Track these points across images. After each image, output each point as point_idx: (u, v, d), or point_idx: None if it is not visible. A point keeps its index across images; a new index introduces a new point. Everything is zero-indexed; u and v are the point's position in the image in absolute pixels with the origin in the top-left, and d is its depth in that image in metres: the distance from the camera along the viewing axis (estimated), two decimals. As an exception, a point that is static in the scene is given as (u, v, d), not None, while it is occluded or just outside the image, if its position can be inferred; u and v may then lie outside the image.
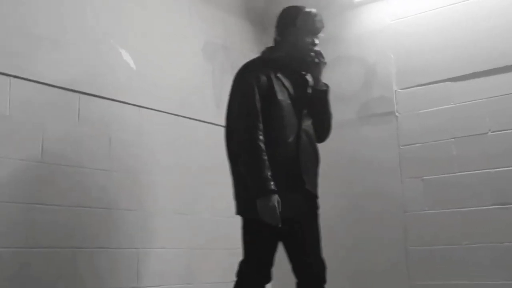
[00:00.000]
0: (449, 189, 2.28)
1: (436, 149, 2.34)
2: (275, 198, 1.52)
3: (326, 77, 1.82)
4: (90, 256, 1.97)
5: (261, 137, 1.56)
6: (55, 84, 1.96)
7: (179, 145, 2.43)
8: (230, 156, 1.68)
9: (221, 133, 2.66)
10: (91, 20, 2.13)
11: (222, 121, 2.68)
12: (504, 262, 2.11)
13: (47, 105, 1.94)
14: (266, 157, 1.54)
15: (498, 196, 2.16)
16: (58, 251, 1.89)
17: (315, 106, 1.76)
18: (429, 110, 2.39)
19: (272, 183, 1.52)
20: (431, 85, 2.40)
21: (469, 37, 2.31)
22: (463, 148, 2.27)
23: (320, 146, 1.80)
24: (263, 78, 1.64)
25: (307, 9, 1.74)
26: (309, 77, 1.78)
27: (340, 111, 2.25)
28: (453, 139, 2.30)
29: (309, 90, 1.76)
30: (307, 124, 1.73)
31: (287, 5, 1.82)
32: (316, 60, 1.73)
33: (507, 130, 2.18)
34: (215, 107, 2.66)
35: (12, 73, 1.82)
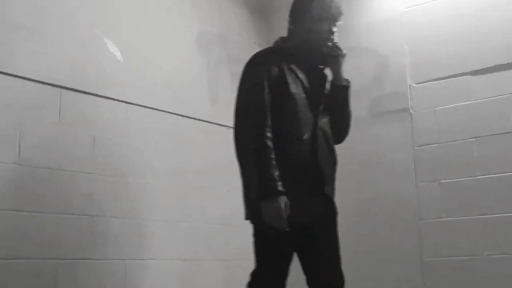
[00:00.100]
0: (469, 194, 2.29)
1: (455, 150, 2.35)
2: (282, 200, 1.52)
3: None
4: (72, 268, 1.98)
5: (268, 134, 1.57)
6: (33, 78, 1.96)
7: (170, 145, 2.44)
8: (238, 156, 1.68)
9: (217, 132, 2.69)
10: (73, 7, 2.14)
11: (218, 119, 2.69)
12: (530, 275, 2.09)
13: (25, 101, 1.94)
14: (273, 156, 1.55)
15: (524, 202, 2.13)
16: (38, 263, 1.89)
17: (334, 103, 1.77)
18: (447, 106, 2.41)
19: (278, 183, 1.52)
20: (449, 79, 2.41)
21: (492, 26, 2.31)
22: (485, 148, 2.27)
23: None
24: (275, 70, 1.65)
25: None
26: (327, 71, 1.79)
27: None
28: (473, 139, 2.31)
29: (327, 86, 1.78)
30: (324, 121, 1.73)
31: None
32: (334, 53, 1.74)
33: (534, 128, 2.16)
34: (210, 104, 2.69)
35: (-16, 66, 1.81)
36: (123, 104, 2.27)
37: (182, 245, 2.41)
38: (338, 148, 1.86)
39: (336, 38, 1.74)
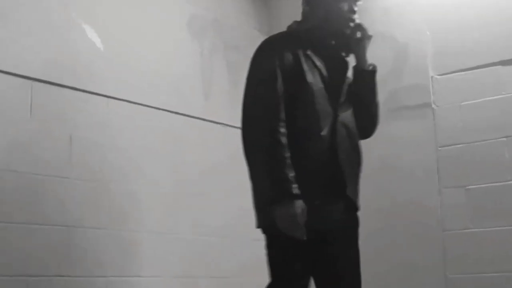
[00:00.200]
0: (499, 201, 2.27)
1: (483, 151, 2.34)
2: (298, 204, 1.50)
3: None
4: (46, 286, 1.97)
5: (282, 130, 1.55)
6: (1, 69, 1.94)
7: (158, 146, 2.44)
8: (247, 155, 1.66)
9: (211, 130, 2.70)
10: None
11: (213, 116, 2.70)
12: None
13: None
14: (288, 154, 1.53)
15: None
16: (5, 280, 1.86)
17: (359, 93, 1.76)
18: (475, 101, 2.40)
19: (294, 185, 1.50)
20: (477, 70, 2.41)
21: None
22: None
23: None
24: (288, 56, 1.64)
25: None
26: (348, 58, 1.78)
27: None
28: (505, 138, 2.29)
29: (349, 74, 1.77)
30: (346, 115, 1.71)
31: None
32: (358, 34, 1.72)
33: None
34: (204, 98, 2.69)
35: None
36: (104, 98, 2.26)
37: (173, 260, 2.41)
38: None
39: (357, 17, 1.73)
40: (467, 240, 2.33)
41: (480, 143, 2.35)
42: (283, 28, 1.83)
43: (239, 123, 2.98)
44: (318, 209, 1.54)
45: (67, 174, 2.08)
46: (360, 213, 2.48)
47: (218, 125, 2.73)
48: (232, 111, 2.70)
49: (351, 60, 1.79)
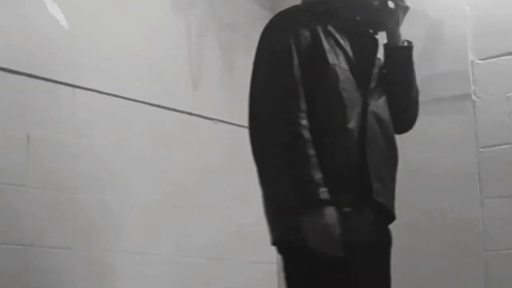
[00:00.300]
0: None
1: None
2: (331, 211, 1.48)
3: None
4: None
5: (303, 122, 1.53)
6: None
7: (136, 147, 2.41)
8: (257, 154, 1.63)
9: (200, 127, 2.67)
10: None
11: (202, 110, 2.70)
12: None
13: None
14: (312, 151, 1.51)
15: None
16: None
17: (394, 76, 1.75)
18: None
19: (322, 189, 1.48)
20: None
21: None
22: None
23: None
24: (305, 34, 1.62)
25: None
26: (379, 36, 1.78)
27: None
28: None
29: (380, 55, 1.76)
30: (378, 103, 1.68)
31: None
32: (391, 4, 1.71)
33: None
34: (192, 88, 2.65)
35: None
36: (69, 88, 2.23)
37: (152, 286, 2.38)
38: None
39: None
40: None
41: None
42: (287, 2, 1.81)
43: (234, 119, 3.03)
44: (347, 219, 1.52)
45: (23, 181, 2.06)
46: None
47: (209, 121, 2.71)
48: (226, 104, 2.81)
49: (382, 38, 1.77)
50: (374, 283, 1.64)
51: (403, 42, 1.78)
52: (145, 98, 2.45)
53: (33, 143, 2.08)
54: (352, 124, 1.60)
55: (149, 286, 2.37)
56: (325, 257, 1.47)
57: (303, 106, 1.55)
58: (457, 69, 2.51)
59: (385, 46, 1.77)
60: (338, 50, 1.65)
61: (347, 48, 1.66)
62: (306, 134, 1.52)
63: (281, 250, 1.62)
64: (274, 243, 1.62)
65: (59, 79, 2.18)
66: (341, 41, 1.66)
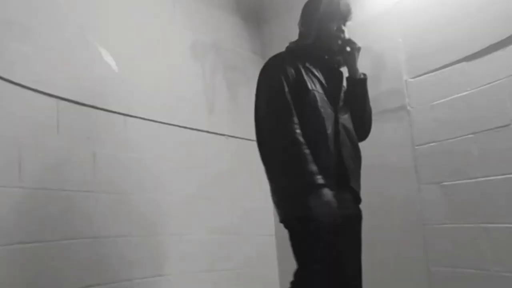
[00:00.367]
0: (471, 198, 2.21)
1: (454, 148, 2.29)
2: (328, 192, 1.58)
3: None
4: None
5: (298, 131, 1.64)
6: (29, 86, 1.92)
7: (170, 157, 2.51)
8: (266, 156, 1.72)
9: (216, 141, 2.69)
10: (66, 12, 2.14)
11: (216, 129, 2.73)
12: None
13: (23, 113, 1.87)
14: (308, 151, 1.61)
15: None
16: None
17: (353, 99, 1.87)
18: (443, 100, 2.36)
19: (320, 177, 1.59)
20: (444, 70, 2.36)
21: (481, 2, 2.25)
22: (484, 145, 2.18)
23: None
24: (291, 70, 1.75)
25: None
26: (343, 69, 1.91)
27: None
28: (472, 135, 2.23)
29: (344, 83, 1.89)
30: (345, 118, 1.82)
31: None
32: (348, 48, 1.84)
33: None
34: (207, 113, 2.78)
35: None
36: (121, 116, 2.32)
37: (189, 258, 2.45)
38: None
39: (346, 35, 1.86)
40: (445, 234, 2.28)
41: (451, 141, 2.30)
42: (274, 49, 1.95)
43: (239, 134, 2.99)
44: (335, 198, 1.61)
45: (91, 188, 2.09)
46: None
47: (222, 136, 2.79)
48: (233, 124, 2.92)
49: (346, 71, 1.92)
50: (353, 245, 1.75)
51: (360, 75, 1.90)
52: (175, 121, 2.55)
53: (98, 158, 2.15)
54: (329, 131, 1.72)
55: (188, 257, 2.43)
56: (327, 225, 1.52)
57: (296, 120, 1.65)
58: (395, 87, 2.52)
59: (347, 78, 1.89)
60: (314, 79, 1.77)
61: (321, 78, 1.79)
62: (301, 139, 1.62)
63: (286, 226, 1.71)
64: (282, 221, 1.71)
65: (114, 109, 2.27)
66: (316, 73, 1.79)
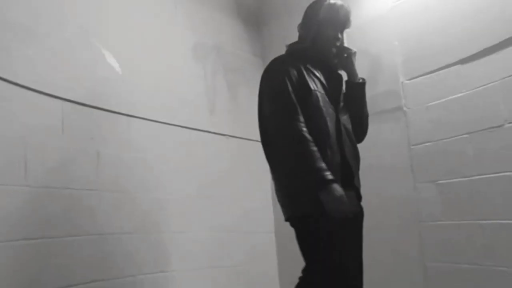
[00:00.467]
0: (466, 196, 2.24)
1: (449, 148, 2.33)
2: (338, 187, 1.58)
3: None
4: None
5: (304, 129, 1.64)
6: (34, 88, 1.92)
7: (172, 157, 2.52)
8: (272, 155, 1.73)
9: (217, 141, 2.71)
10: (67, 13, 2.14)
11: (217, 129, 2.74)
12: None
13: (29, 114, 1.87)
14: (315, 148, 1.61)
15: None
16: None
17: (351, 102, 1.89)
18: (438, 101, 2.39)
19: (329, 173, 1.58)
20: (440, 72, 2.39)
21: (475, 6, 2.27)
22: (479, 145, 2.21)
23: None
24: (293, 71, 1.75)
25: (332, 1, 1.87)
26: (342, 72, 1.93)
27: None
28: (467, 135, 2.27)
29: (344, 85, 1.90)
30: (344, 118, 1.83)
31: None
32: (345, 54, 1.86)
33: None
34: (209, 114, 2.80)
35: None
36: (125, 116, 2.33)
37: (191, 255, 2.46)
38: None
39: (342, 43, 1.88)
40: (441, 231, 2.32)
41: (446, 141, 2.34)
42: (274, 52, 1.96)
43: (239, 134, 2.98)
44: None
45: (95, 186, 2.11)
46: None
47: (222, 136, 2.81)
48: (233, 124, 2.93)
49: (344, 74, 1.94)
50: (356, 240, 1.76)
51: (359, 79, 1.91)
52: (177, 122, 2.56)
53: (102, 158, 2.15)
54: (332, 130, 1.73)
55: (190, 254, 2.44)
56: (339, 220, 1.52)
57: (302, 118, 1.65)
58: (392, 88, 2.55)
59: (346, 82, 1.91)
60: (316, 80, 1.78)
61: (322, 78, 1.80)
62: (309, 136, 1.62)
63: (292, 224, 1.70)
64: (288, 219, 1.71)
65: (117, 110, 2.28)
66: (317, 74, 1.81)
